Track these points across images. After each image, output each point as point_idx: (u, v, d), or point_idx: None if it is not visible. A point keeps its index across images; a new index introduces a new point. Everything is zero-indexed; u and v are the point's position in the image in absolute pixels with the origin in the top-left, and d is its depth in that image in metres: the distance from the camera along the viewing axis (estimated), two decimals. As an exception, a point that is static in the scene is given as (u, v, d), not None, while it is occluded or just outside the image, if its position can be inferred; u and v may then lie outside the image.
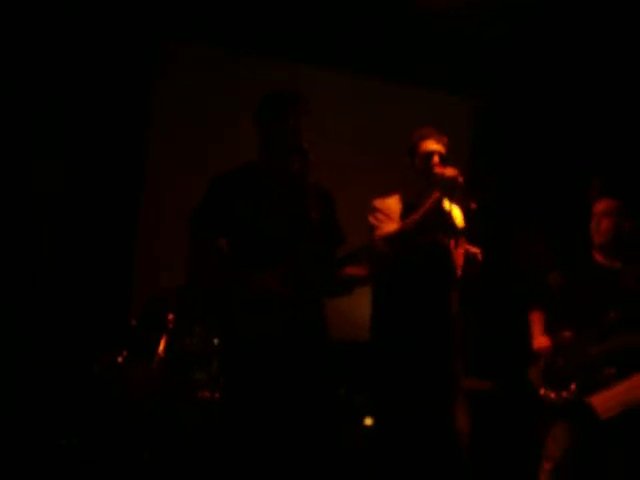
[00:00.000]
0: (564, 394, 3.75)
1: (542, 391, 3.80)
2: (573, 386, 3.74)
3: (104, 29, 5.33)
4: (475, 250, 3.46)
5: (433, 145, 3.49)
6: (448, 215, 3.44)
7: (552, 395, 3.77)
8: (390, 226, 3.42)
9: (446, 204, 3.42)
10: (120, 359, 4.24)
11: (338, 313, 3.33)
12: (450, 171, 3.31)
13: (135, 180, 5.43)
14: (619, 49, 5.23)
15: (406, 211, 3.47)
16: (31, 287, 4.89)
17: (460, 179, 3.28)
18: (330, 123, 3.34)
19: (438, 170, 3.36)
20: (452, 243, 3.49)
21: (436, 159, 3.45)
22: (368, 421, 4.36)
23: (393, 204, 3.54)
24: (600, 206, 4.04)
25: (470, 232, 3.48)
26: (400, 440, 3.34)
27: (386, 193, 3.59)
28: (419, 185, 3.50)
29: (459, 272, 3.49)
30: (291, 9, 5.40)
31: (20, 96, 5.01)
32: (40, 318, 4.82)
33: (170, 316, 4.30)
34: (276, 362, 2.97)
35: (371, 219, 3.51)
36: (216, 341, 4.13)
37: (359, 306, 3.67)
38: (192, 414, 4.09)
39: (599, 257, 4.01)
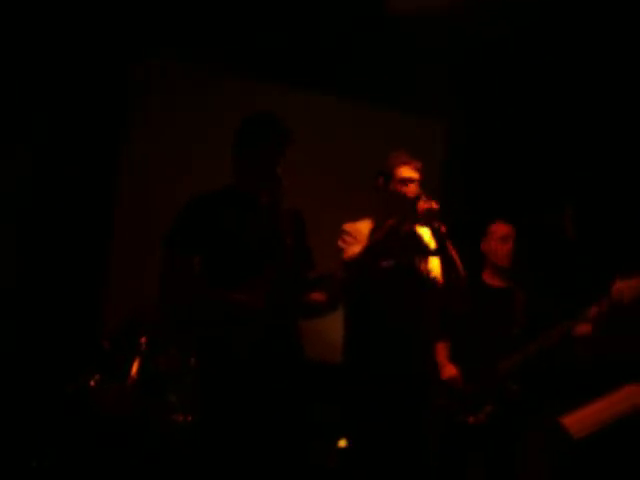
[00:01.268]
0: (481, 417, 3.80)
1: (459, 417, 3.85)
2: (488, 408, 3.79)
3: (81, 45, 5.33)
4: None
5: (410, 172, 3.53)
6: (414, 236, 3.46)
7: (470, 420, 3.82)
8: (356, 248, 3.44)
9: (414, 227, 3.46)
10: (92, 382, 4.21)
11: (313, 335, 3.34)
12: (429, 204, 3.35)
13: (108, 199, 5.39)
14: (585, 74, 5.31)
15: (374, 233, 3.50)
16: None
17: (438, 211, 3.35)
18: (303, 145, 3.39)
19: (423, 205, 3.38)
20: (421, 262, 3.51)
21: (414, 188, 3.49)
22: (342, 443, 4.36)
23: (363, 227, 3.58)
24: (503, 229, 4.14)
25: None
26: (371, 459, 3.37)
27: (359, 216, 3.62)
28: (390, 208, 3.53)
29: (441, 282, 3.52)
30: (268, 29, 5.44)
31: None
32: (11, 340, 4.78)
33: (143, 338, 4.29)
34: (250, 382, 2.98)
35: (339, 242, 3.55)
36: (190, 362, 4.11)
37: (334, 328, 3.68)
38: (165, 437, 4.06)
39: (491, 279, 4.10)
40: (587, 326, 3.76)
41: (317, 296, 3.22)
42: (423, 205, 3.36)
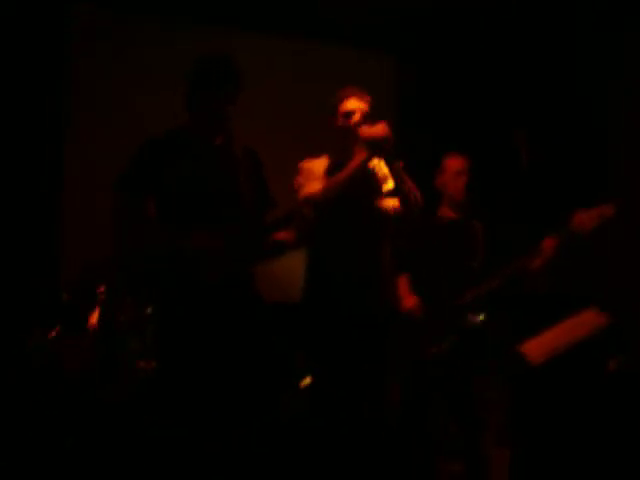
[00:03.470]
0: (443, 347, 3.85)
1: (422, 348, 3.87)
2: (450, 338, 3.86)
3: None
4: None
5: (354, 104, 3.48)
6: (375, 174, 3.44)
7: (432, 350, 3.85)
8: (312, 185, 3.42)
9: (374, 162, 3.42)
10: (53, 334, 4.18)
11: (273, 275, 3.35)
12: (379, 129, 3.30)
13: (55, 151, 5.32)
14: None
15: (331, 170, 3.48)
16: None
17: (390, 136, 3.28)
18: (254, 86, 3.39)
19: (364, 129, 3.35)
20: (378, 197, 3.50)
21: (357, 118, 3.45)
22: (307, 381, 4.39)
23: (319, 165, 3.55)
24: (456, 163, 4.13)
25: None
26: (335, 396, 3.38)
27: (315, 155, 3.59)
28: (343, 144, 3.51)
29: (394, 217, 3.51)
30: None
31: None
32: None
33: (102, 288, 4.27)
34: (207, 325, 3.01)
35: (296, 180, 3.52)
36: (149, 310, 4.10)
37: (295, 268, 3.68)
38: (128, 384, 4.06)
39: (448, 212, 4.12)
40: (542, 259, 3.80)
41: (283, 234, 3.22)
42: (366, 131, 3.33)
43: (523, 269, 3.80)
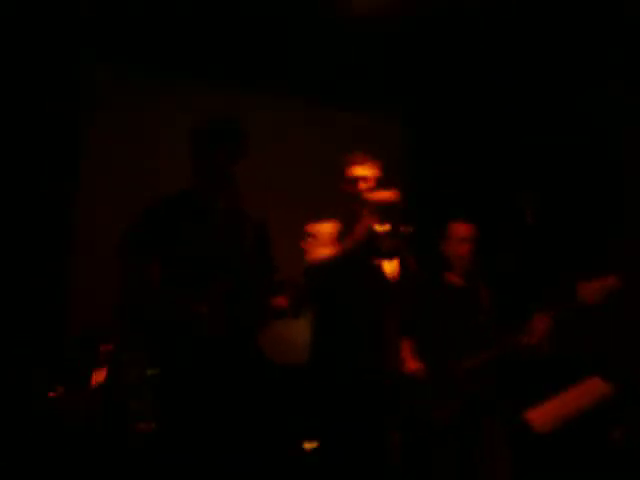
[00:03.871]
0: (445, 412, 3.79)
1: (424, 412, 3.81)
2: (452, 403, 3.80)
3: (36, 54, 5.28)
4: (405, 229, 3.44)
5: (362, 170, 3.54)
6: (381, 240, 3.46)
7: (434, 414, 3.81)
8: (320, 251, 3.45)
9: (379, 227, 3.44)
10: (55, 392, 4.17)
11: (282, 338, 3.35)
12: (387, 194, 3.34)
13: (67, 208, 5.35)
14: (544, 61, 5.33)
15: (340, 234, 3.51)
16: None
17: (398, 201, 3.32)
18: (264, 148, 3.43)
19: (372, 195, 3.40)
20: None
21: (365, 183, 3.49)
22: (307, 445, 4.36)
23: (326, 228, 3.58)
24: (461, 230, 4.11)
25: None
26: (337, 458, 3.37)
27: (322, 219, 3.63)
28: (352, 209, 3.54)
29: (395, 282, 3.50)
30: (217, 31, 5.41)
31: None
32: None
33: (104, 347, 4.27)
34: (209, 389, 3.00)
35: (303, 244, 3.55)
36: (150, 371, 4.09)
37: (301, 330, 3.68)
38: (129, 445, 4.03)
39: (455, 279, 4.10)
40: (534, 337, 3.74)
41: (281, 301, 3.23)
42: (374, 196, 3.36)
43: (515, 346, 3.76)
